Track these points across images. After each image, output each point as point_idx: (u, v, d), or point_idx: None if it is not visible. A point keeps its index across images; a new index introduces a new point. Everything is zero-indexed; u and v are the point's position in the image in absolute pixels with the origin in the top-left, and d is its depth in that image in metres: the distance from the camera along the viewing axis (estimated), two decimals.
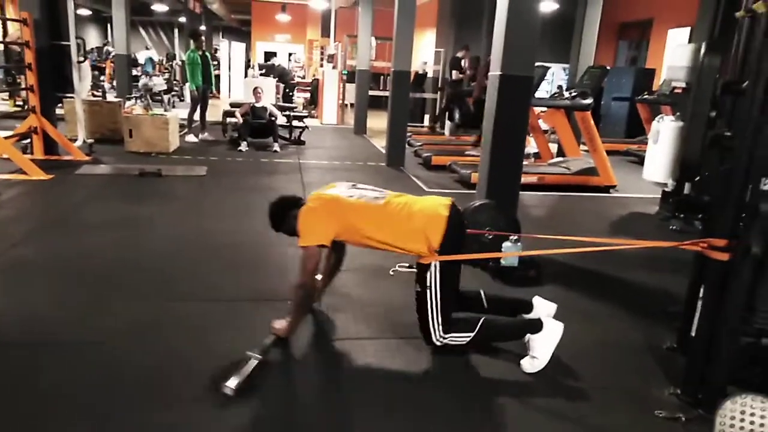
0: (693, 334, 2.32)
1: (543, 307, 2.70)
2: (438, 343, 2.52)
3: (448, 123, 9.38)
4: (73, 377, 2.29)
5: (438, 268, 2.46)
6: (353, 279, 3.53)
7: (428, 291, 2.48)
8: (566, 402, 2.32)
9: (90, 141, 7.28)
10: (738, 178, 2.13)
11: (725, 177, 2.19)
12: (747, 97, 2.15)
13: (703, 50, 2.39)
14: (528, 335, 2.53)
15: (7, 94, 11.40)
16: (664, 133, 5.46)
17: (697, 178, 2.33)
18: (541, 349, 2.49)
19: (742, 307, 2.13)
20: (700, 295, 2.31)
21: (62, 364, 2.38)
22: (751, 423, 1.52)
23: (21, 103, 10.35)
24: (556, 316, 2.66)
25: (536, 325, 2.53)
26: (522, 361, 2.52)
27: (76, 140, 7.23)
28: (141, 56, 15.88)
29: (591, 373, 2.52)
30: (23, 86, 7.27)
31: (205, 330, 2.75)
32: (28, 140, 6.68)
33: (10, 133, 6.40)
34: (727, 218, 2.17)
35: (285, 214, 2.73)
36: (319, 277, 2.89)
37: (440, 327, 2.50)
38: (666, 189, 5.61)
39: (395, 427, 2.09)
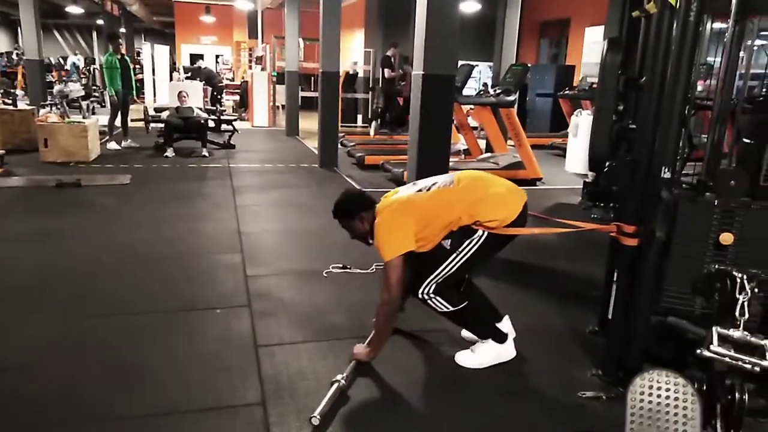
0: (610, 316, 2.46)
1: (508, 327, 2.69)
2: (420, 297, 2.48)
3: (374, 123, 9.44)
4: None
5: (482, 240, 2.41)
6: (286, 282, 3.49)
7: (456, 252, 2.42)
8: (493, 387, 2.40)
9: (1, 152, 6.80)
10: (641, 168, 2.27)
11: (630, 167, 2.33)
12: (646, 92, 2.30)
13: (605, 48, 2.53)
14: (489, 339, 2.58)
15: None
16: (582, 127, 5.76)
17: (606, 168, 2.45)
18: (486, 356, 2.56)
19: (651, 288, 2.28)
20: (615, 278, 2.45)
21: None
22: (658, 396, 1.63)
23: None
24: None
25: (502, 337, 2.58)
26: (458, 354, 2.58)
27: None
28: (69, 61, 14.97)
29: (518, 358, 2.61)
30: None
31: (125, 345, 2.64)
32: None
33: None
34: (634, 206, 2.31)
35: (356, 210, 2.55)
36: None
37: (434, 286, 2.45)
38: (587, 180, 5.90)
39: (322, 427, 2.09)
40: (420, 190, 2.52)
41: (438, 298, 2.48)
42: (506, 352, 2.59)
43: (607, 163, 2.50)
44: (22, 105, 9.37)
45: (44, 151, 7.07)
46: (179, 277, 3.51)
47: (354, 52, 15.95)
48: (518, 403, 2.32)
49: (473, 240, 2.42)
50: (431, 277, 2.44)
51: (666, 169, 2.21)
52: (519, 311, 3.16)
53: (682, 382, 1.62)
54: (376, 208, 2.55)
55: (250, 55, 16.24)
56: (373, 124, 9.41)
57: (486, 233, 2.41)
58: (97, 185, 5.95)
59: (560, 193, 6.62)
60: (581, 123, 5.68)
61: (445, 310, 2.50)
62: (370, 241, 2.56)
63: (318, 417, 2.09)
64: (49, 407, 2.15)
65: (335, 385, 2.27)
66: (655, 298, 2.30)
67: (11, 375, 2.36)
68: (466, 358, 2.57)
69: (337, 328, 2.88)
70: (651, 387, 1.63)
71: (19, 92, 12.61)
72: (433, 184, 2.53)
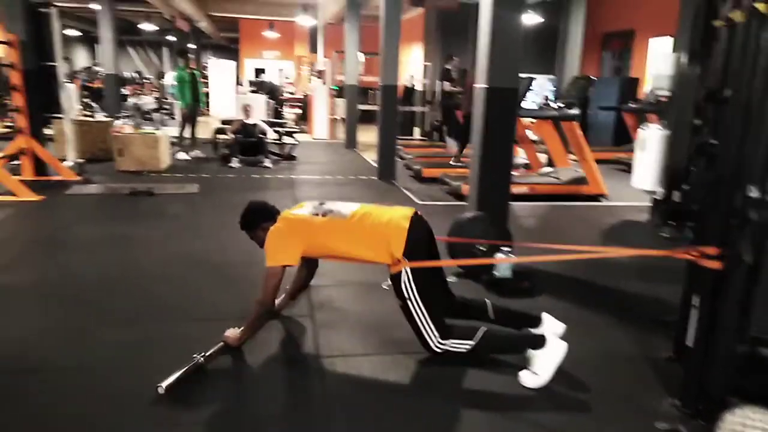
0: (689, 343, 2.32)
1: (551, 325, 2.68)
2: (438, 350, 2.52)
3: (449, 141, 9.33)
4: (57, 404, 2.25)
5: (410, 276, 2.51)
6: (346, 294, 3.51)
7: (409, 302, 2.52)
8: (564, 414, 2.31)
9: (80, 161, 7.24)
10: (725, 186, 2.15)
11: (712, 185, 2.21)
12: (731, 105, 2.18)
13: (683, 59, 2.42)
14: (530, 350, 2.51)
15: None
16: (650, 141, 5.52)
17: (684, 185, 2.33)
18: (542, 366, 2.48)
19: (737, 315, 2.14)
20: (694, 303, 2.31)
21: (47, 391, 2.33)
22: None
23: (10, 124, 10.28)
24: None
25: (539, 341, 2.51)
26: (521, 374, 2.51)
27: (65, 160, 7.19)
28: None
29: (588, 384, 2.51)
30: (10, 107, 7.23)
31: (192, 351, 2.71)
32: (18, 161, 6.64)
33: None
34: (716, 227, 2.19)
35: (258, 221, 2.83)
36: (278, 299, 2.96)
37: (435, 334, 2.51)
38: (656, 197, 5.65)
39: None
40: (317, 214, 2.67)
41: (451, 340, 2.50)
42: (556, 351, 2.49)
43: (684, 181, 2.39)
44: (99, 117, 9.96)
45: (119, 160, 7.47)
46: (244, 285, 3.60)
47: (412, 66, 16.04)
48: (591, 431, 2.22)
49: (403, 282, 2.51)
50: (423, 332, 2.52)
51: (754, 189, 2.08)
52: (588, 334, 3.05)
53: None
54: (279, 217, 2.76)
55: (311, 69, 16.62)
56: (449, 140, 9.29)
57: (407, 274, 2.50)
58: (168, 193, 6.22)
59: (626, 211, 6.37)
60: (649, 137, 5.45)
61: (469, 347, 2.50)
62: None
63: (164, 387, 2.24)
64: (123, 409, 2.23)
65: (193, 362, 2.42)
66: (741, 325, 2.16)
67: (83, 377, 2.46)
68: (531, 379, 2.49)
69: (398, 342, 2.86)
70: (744, 425, 1.52)
71: (96, 105, 13.40)
72: (328, 212, 2.67)
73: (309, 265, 3.09)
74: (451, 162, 8.61)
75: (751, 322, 2.11)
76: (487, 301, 2.80)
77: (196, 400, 2.30)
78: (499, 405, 2.37)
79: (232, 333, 2.68)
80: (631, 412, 2.34)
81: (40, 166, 6.69)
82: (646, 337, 3.03)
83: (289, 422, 2.20)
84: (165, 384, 2.25)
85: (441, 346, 2.51)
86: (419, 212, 2.69)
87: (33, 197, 5.69)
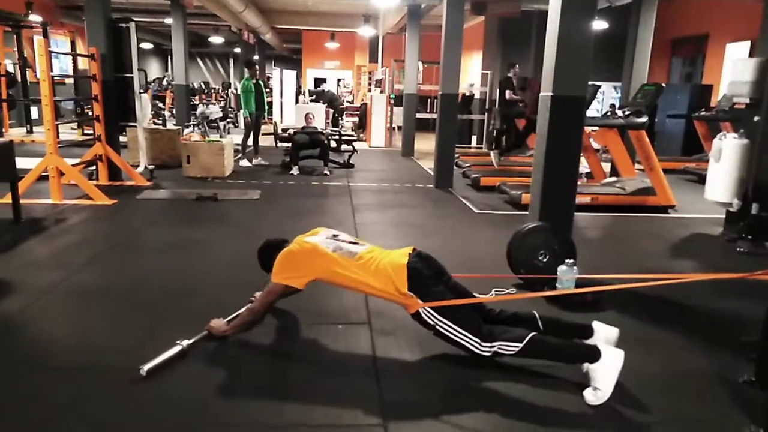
0: None
1: (603, 332, 2.60)
2: (486, 353, 2.52)
3: (492, 153, 9.29)
4: (124, 407, 2.29)
5: (428, 312, 2.59)
6: None
7: (438, 327, 2.59)
8: None
9: (151, 167, 7.63)
10: None
11: None
12: None
13: None
14: (587, 365, 2.42)
15: (76, 124, 12.10)
16: (726, 151, 5.22)
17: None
18: (603, 380, 2.38)
19: None
20: None
21: (113, 393, 2.38)
22: None
23: (89, 132, 10.96)
24: (618, 343, 2.55)
25: (593, 353, 2.42)
26: (585, 392, 2.41)
27: (138, 166, 7.59)
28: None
29: (657, 406, 2.37)
30: (90, 116, 7.71)
31: (254, 357, 2.78)
32: (94, 167, 7.06)
33: (77, 160, 6.78)
34: None
35: (272, 255, 2.90)
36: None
37: (476, 341, 2.51)
38: (731, 209, 5.33)
39: None
40: (325, 245, 2.75)
41: (499, 342, 2.48)
42: (613, 361, 2.38)
43: None
44: (169, 125, 10.45)
45: (187, 167, 7.80)
46: (304, 291, 3.65)
47: (471, 74, 15.94)
48: None
49: (426, 318, 2.59)
50: (464, 344, 2.55)
51: None
52: (656, 352, 2.91)
53: None
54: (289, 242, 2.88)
55: (370, 78, 16.83)
56: (493, 154, 9.25)
57: (422, 311, 2.59)
58: (231, 199, 6.44)
59: (697, 223, 6.06)
60: (725, 147, 5.14)
61: (517, 348, 2.46)
62: None
63: (145, 370, 2.35)
64: (184, 413, 2.29)
65: (178, 347, 2.56)
66: None
67: (150, 381, 2.48)
68: (594, 396, 2.39)
69: (453, 351, 2.82)
70: None
71: (167, 113, 14.09)
72: (338, 249, 2.74)
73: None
74: (492, 155, 8.70)
75: None
76: (536, 312, 2.74)
77: (253, 407, 2.35)
78: (558, 422, 2.28)
79: (217, 324, 2.84)
80: None
81: (114, 172, 7.10)
82: (721, 357, 2.85)
83: (348, 428, 2.20)
84: (147, 367, 2.39)
85: (488, 349, 2.51)
86: (418, 250, 2.81)
87: (107, 201, 6.02)
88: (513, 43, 14.06)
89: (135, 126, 7.67)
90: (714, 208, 5.94)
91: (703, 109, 9.96)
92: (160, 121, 11.34)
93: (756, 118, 4.46)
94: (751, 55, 10.27)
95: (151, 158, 8.23)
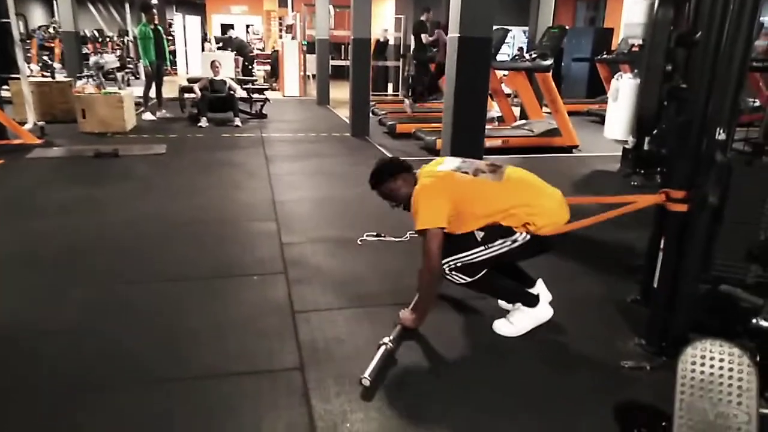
0: (655, 285, 2.37)
1: (542, 291, 2.66)
2: (444, 273, 2.45)
3: (406, 101, 9.29)
4: (30, 369, 2.22)
5: (519, 243, 2.36)
6: (321, 250, 3.49)
7: (485, 247, 2.36)
8: (534, 358, 2.36)
9: (41, 123, 6.96)
10: (694, 129, 2.15)
11: (681, 129, 2.21)
12: (701, 49, 2.16)
13: (656, 3, 2.38)
14: (519, 304, 2.54)
15: None
16: (623, 91, 5.52)
17: (655, 131, 2.33)
18: (521, 322, 2.51)
19: (701, 256, 2.18)
20: (661, 246, 2.35)
21: (19, 356, 2.30)
22: (711, 366, 1.56)
23: None
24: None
25: (532, 300, 2.54)
26: (496, 322, 2.54)
27: (26, 123, 6.90)
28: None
29: (558, 328, 2.56)
30: None
31: (163, 311, 2.69)
32: None
33: None
34: (684, 170, 2.20)
35: (395, 172, 2.52)
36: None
37: (453, 266, 2.41)
38: (626, 146, 5.70)
39: (360, 392, 2.09)
40: (464, 171, 2.44)
41: (455, 273, 2.44)
42: (541, 313, 2.53)
43: (655, 126, 2.39)
44: (59, 77, 9.55)
45: (82, 121, 7.21)
46: (215, 244, 3.55)
47: (385, 19, 15.65)
48: (560, 372, 2.27)
49: (510, 241, 2.36)
50: (452, 258, 2.39)
51: (721, 131, 2.09)
52: (558, 280, 3.09)
53: (737, 352, 1.55)
54: (417, 173, 2.51)
55: (281, 24, 16.12)
56: (407, 101, 9.25)
57: (528, 237, 2.35)
58: (134, 155, 6.04)
59: (598, 161, 6.43)
60: (622, 87, 5.44)
61: (463, 281, 2.46)
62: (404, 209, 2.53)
63: (368, 378, 2.09)
64: (90, 371, 2.20)
65: (382, 348, 2.26)
66: (704, 266, 2.21)
67: (52, 339, 2.42)
68: (503, 327, 2.53)
69: (372, 295, 2.87)
70: (704, 357, 1.56)
71: (56, 65, 12.84)
72: (478, 171, 2.44)
73: None
74: (405, 101, 8.77)
75: (713, 261, 2.16)
76: None
77: (168, 359, 2.29)
78: (468, 349, 2.41)
79: (406, 315, 2.49)
80: (599, 353, 2.40)
81: None
82: (614, 281, 3.10)
83: (262, 377, 2.20)
84: (368, 374, 2.10)
85: (447, 271, 2.41)
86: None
87: None
88: None
89: (18, 78, 6.94)
90: (613, 147, 6.32)
91: (605, 52, 10.42)
92: (49, 73, 10.31)
93: None
94: None
95: (41, 114, 7.51)
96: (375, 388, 2.10)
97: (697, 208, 2.14)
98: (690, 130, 2.17)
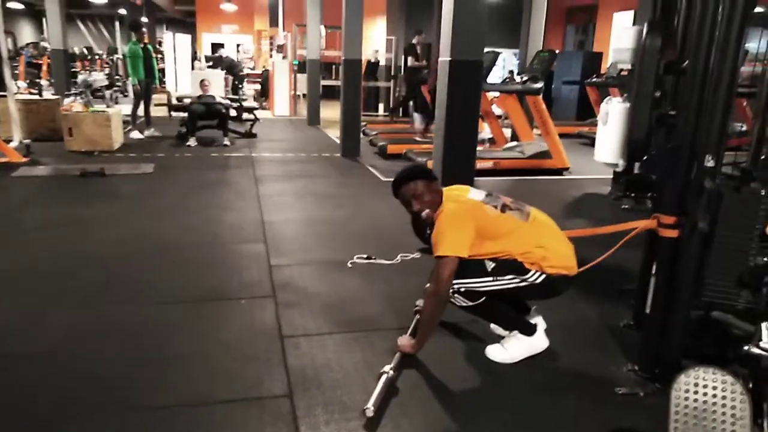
0: (647, 310, 2.36)
1: (539, 320, 2.61)
2: (450, 296, 2.42)
3: (416, 116, 9.26)
4: (8, 394, 2.15)
5: (528, 282, 2.34)
6: (310, 273, 3.45)
7: (494, 278, 2.34)
8: (526, 383, 2.33)
9: (27, 141, 6.89)
10: (683, 156, 2.17)
11: (671, 155, 2.22)
12: (689, 76, 2.19)
13: (645, 30, 2.41)
14: (516, 331, 2.51)
15: None
16: (612, 115, 5.54)
17: (645, 157, 2.35)
18: (516, 349, 2.48)
19: (692, 281, 2.18)
20: (653, 271, 2.35)
21: (10, 379, 2.23)
22: (704, 394, 1.54)
23: None
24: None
25: (529, 328, 2.51)
26: (489, 347, 2.51)
27: (11, 141, 6.82)
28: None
29: (550, 353, 2.53)
30: None
31: (150, 334, 2.63)
32: None
33: None
34: (674, 196, 2.21)
35: (420, 177, 2.45)
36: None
37: (456, 289, 2.37)
38: (617, 169, 5.73)
39: (349, 418, 2.04)
40: (493, 205, 2.41)
41: (458, 295, 2.41)
42: (537, 343, 2.51)
43: (645, 152, 2.40)
44: (47, 95, 9.49)
45: (69, 140, 7.14)
46: (203, 266, 3.50)
47: (376, 41, 15.82)
48: (553, 398, 2.24)
49: (519, 279, 2.34)
50: (459, 281, 2.35)
51: (710, 158, 2.10)
52: (550, 305, 3.07)
53: (730, 379, 1.53)
54: (444, 192, 2.47)
55: (271, 43, 16.22)
56: (417, 117, 9.17)
57: (540, 278, 2.32)
58: (121, 174, 5.99)
59: (588, 184, 6.47)
60: (611, 110, 5.48)
61: (464, 304, 2.44)
62: (428, 231, 2.46)
63: (372, 408, 2.03)
64: (73, 395, 2.14)
65: (384, 377, 2.21)
66: (695, 292, 2.20)
67: (36, 361, 2.36)
68: (496, 352, 2.50)
69: (363, 320, 2.83)
70: (697, 384, 1.54)
71: (44, 82, 12.78)
72: (506, 207, 2.43)
73: None
74: (416, 138, 8.58)
75: (704, 287, 2.15)
76: None
77: (155, 385, 2.23)
78: (459, 374, 2.37)
79: (405, 341, 2.46)
80: (591, 379, 2.37)
81: None
82: (606, 306, 3.09)
83: (250, 404, 2.14)
84: (371, 405, 2.04)
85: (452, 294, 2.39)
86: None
87: None
88: (416, 8, 14.08)
89: (5, 96, 6.88)
90: (604, 169, 6.34)
91: (594, 76, 10.58)
92: (36, 91, 10.25)
93: None
94: (634, 23, 10.99)
95: (27, 132, 7.44)
96: (368, 416, 2.05)
97: (687, 234, 2.15)
98: (679, 156, 2.19)
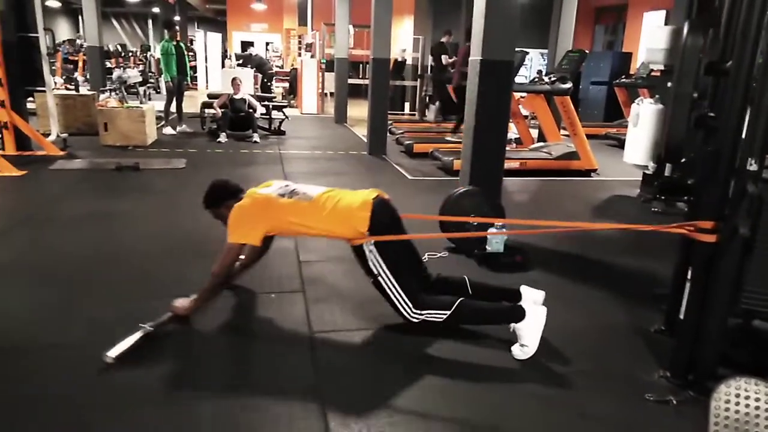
0: (681, 316, 2.32)
1: (530, 295, 2.68)
2: (414, 320, 2.54)
3: (432, 107, 9.29)
4: (47, 382, 2.21)
5: (375, 251, 2.53)
6: (338, 269, 3.48)
7: (379, 277, 2.55)
8: (555, 388, 2.31)
9: (64, 135, 7.08)
10: (724, 159, 2.12)
11: (711, 158, 2.18)
12: (732, 77, 2.14)
13: (685, 30, 2.36)
14: (513, 324, 2.51)
15: None
16: (643, 116, 5.46)
17: (682, 159, 2.30)
18: (528, 337, 2.48)
19: (729, 288, 2.13)
20: (688, 277, 2.30)
21: (36, 370, 2.29)
22: (746, 406, 1.51)
23: None
24: (544, 302, 2.65)
25: (517, 313, 2.51)
26: (513, 348, 2.50)
27: (49, 135, 7.02)
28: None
29: (580, 357, 2.51)
30: None
31: (184, 327, 2.68)
32: None
33: None
34: (713, 200, 2.16)
35: (221, 199, 2.85)
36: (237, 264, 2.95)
37: (409, 305, 2.53)
38: (647, 171, 5.64)
39: (378, 413, 2.05)
40: (282, 195, 2.67)
41: (427, 311, 2.51)
42: (537, 318, 2.49)
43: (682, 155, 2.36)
44: (83, 90, 9.73)
45: (104, 134, 7.32)
46: None
47: (402, 40, 15.81)
48: (582, 403, 2.22)
49: (369, 258, 2.54)
50: (397, 304, 2.54)
51: (753, 161, 2.05)
52: (579, 308, 3.05)
53: None
54: (243, 195, 2.77)
55: (300, 42, 16.33)
56: (432, 108, 9.22)
57: (374, 251, 2.53)
58: (155, 169, 6.11)
59: (617, 185, 6.38)
60: (643, 112, 5.39)
61: (444, 316, 2.51)
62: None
63: (112, 357, 2.23)
64: (105, 388, 2.19)
65: (141, 331, 2.41)
66: (733, 298, 2.16)
67: (67, 352, 2.40)
68: (517, 351, 2.50)
69: (390, 317, 2.84)
70: (738, 395, 1.51)
71: (80, 78, 13.10)
72: (295, 193, 2.67)
73: (265, 241, 2.93)
74: (447, 137, 8.56)
75: (743, 294, 2.10)
76: (466, 277, 2.79)
77: (187, 377, 2.28)
78: (489, 378, 2.36)
79: (181, 303, 2.68)
80: (621, 384, 2.34)
81: (22, 141, 6.54)
82: (637, 310, 3.04)
83: (283, 394, 2.17)
84: (113, 354, 2.25)
85: (417, 316, 2.53)
86: (384, 194, 2.71)
87: (15, 172, 5.56)
88: (444, 7, 14.03)
89: (44, 91, 7.08)
90: (632, 171, 6.25)
91: (623, 76, 10.41)
92: (73, 86, 10.51)
93: (669, 84, 4.68)
94: (666, 23, 10.78)
95: (64, 126, 7.65)
96: (392, 408, 2.06)
97: (727, 239, 2.10)
98: (719, 159, 2.14)
